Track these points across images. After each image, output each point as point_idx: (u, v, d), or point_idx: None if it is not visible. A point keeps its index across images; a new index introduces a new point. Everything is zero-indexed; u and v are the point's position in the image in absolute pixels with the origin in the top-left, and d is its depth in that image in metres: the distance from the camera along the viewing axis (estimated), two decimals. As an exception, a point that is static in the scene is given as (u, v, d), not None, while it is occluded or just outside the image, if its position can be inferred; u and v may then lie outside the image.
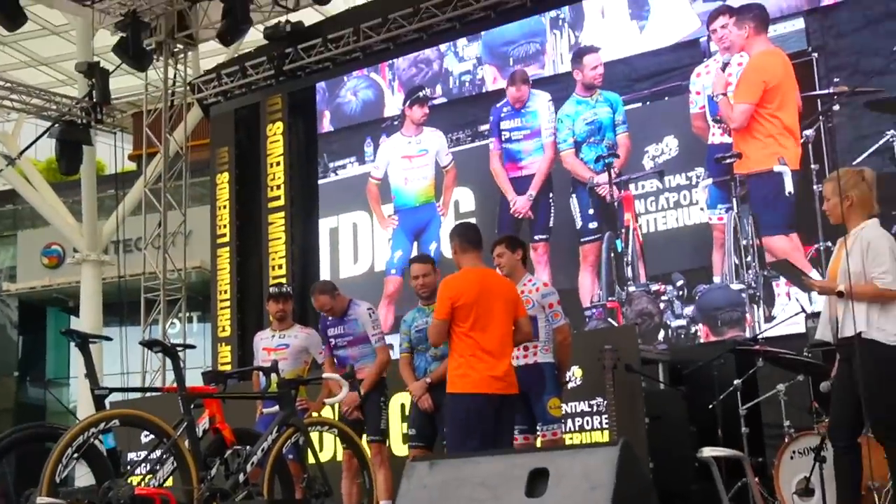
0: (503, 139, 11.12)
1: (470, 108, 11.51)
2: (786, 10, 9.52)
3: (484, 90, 11.40)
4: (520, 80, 11.08)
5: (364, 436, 6.63)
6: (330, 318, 7.01)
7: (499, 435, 5.65)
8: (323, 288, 7.10)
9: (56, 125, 14.10)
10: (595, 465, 3.54)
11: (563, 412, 6.44)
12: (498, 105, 11.22)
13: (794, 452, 6.51)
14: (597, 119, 10.38)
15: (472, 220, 10.77)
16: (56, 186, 18.69)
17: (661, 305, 9.74)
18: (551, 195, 10.74)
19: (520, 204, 10.86)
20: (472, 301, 5.67)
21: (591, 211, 10.35)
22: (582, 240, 10.38)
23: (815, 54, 9.28)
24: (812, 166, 9.08)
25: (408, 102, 11.89)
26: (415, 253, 11.26)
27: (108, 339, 6.19)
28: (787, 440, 6.63)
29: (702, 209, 9.68)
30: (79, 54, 15.49)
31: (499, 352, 5.67)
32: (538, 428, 6.07)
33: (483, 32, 11.40)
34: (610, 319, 10.00)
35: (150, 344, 5.80)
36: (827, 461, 5.69)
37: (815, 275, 5.30)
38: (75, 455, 4.90)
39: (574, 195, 10.48)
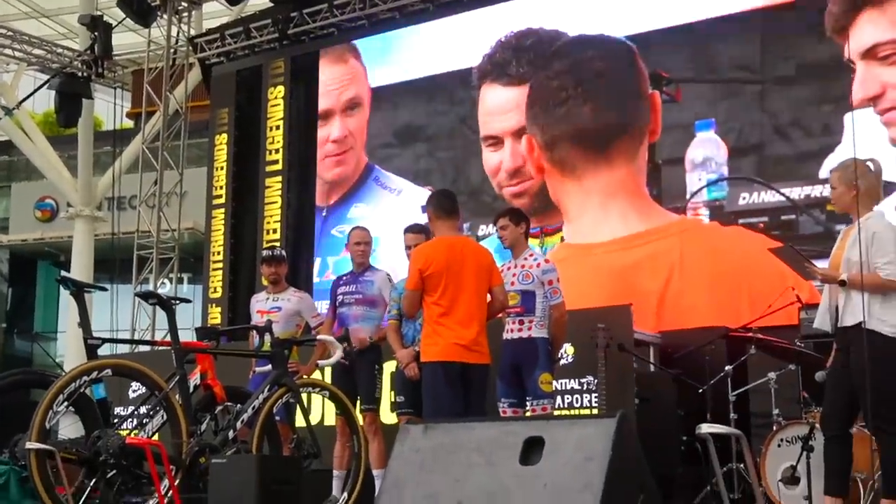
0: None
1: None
2: None
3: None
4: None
5: (357, 403, 6.63)
6: (345, 276, 6.98)
7: (468, 403, 5.70)
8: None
9: (56, 77, 14.00)
10: (591, 436, 3.53)
11: (554, 388, 6.43)
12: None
13: (781, 440, 6.50)
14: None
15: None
16: (52, 140, 18.58)
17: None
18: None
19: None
20: (442, 269, 5.75)
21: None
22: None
23: None
24: None
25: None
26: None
27: (104, 289, 6.15)
28: (775, 428, 6.63)
29: None
30: (82, 7, 15.35)
31: (467, 320, 5.74)
32: (528, 402, 6.06)
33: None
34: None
35: (145, 295, 5.77)
36: (815, 450, 5.70)
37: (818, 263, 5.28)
38: (66, 402, 4.87)
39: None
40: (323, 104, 12.44)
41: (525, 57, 10.58)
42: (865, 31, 8.59)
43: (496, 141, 10.73)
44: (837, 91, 8.85)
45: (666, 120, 9.69)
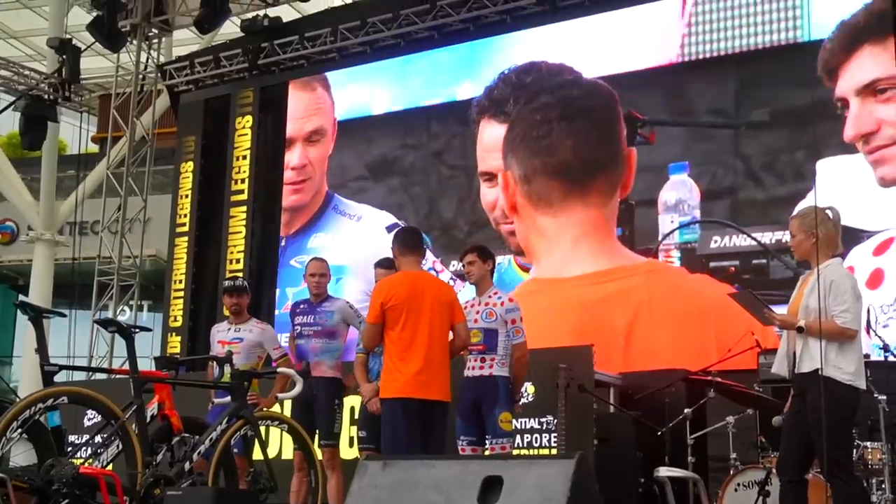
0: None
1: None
2: None
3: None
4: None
5: (316, 438, 6.58)
6: (302, 305, 6.95)
7: (428, 440, 5.70)
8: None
9: (22, 98, 13.91)
10: (550, 476, 3.53)
11: (514, 427, 6.43)
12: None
13: (738, 485, 6.53)
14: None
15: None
16: (15, 162, 18.38)
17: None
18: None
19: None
20: (402, 302, 5.78)
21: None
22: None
23: None
24: None
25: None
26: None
27: (63, 314, 6.09)
28: (732, 472, 6.66)
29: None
30: (51, 30, 15.30)
31: (428, 356, 5.75)
32: (487, 440, 6.05)
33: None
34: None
35: (105, 323, 5.72)
36: (771, 495, 5.74)
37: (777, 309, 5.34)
38: (19, 430, 4.80)
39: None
40: (287, 131, 12.48)
41: (523, 95, 10.59)
42: (865, 67, 8.70)
43: (492, 177, 10.74)
44: (810, 138, 8.99)
45: (640, 161, 9.78)
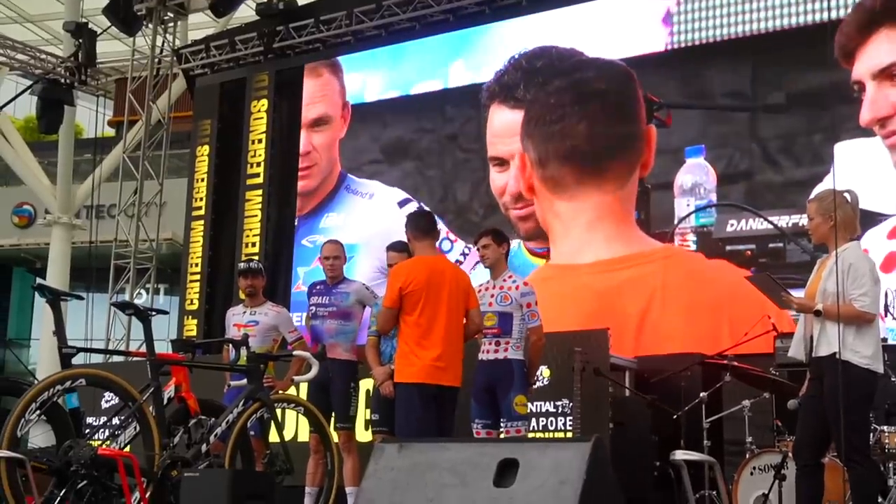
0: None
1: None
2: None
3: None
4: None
5: (332, 421, 6.61)
6: (318, 286, 6.96)
7: (441, 425, 5.72)
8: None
9: (39, 82, 13.95)
10: (566, 459, 3.53)
11: (529, 411, 6.44)
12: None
13: (754, 468, 6.51)
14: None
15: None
16: (32, 146, 18.48)
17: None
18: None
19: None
20: (421, 288, 5.78)
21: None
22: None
23: None
24: None
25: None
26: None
27: (80, 297, 6.12)
28: (748, 456, 6.65)
29: None
30: (67, 13, 15.33)
31: (443, 341, 5.75)
32: (502, 424, 6.05)
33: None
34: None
35: (122, 306, 5.75)
36: (787, 479, 5.73)
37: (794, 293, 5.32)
38: (38, 411, 4.84)
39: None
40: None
41: (534, 80, 10.52)
42: (882, 50, 8.61)
43: (501, 162, 10.69)
44: (827, 121, 8.92)
45: (656, 144, 9.72)
